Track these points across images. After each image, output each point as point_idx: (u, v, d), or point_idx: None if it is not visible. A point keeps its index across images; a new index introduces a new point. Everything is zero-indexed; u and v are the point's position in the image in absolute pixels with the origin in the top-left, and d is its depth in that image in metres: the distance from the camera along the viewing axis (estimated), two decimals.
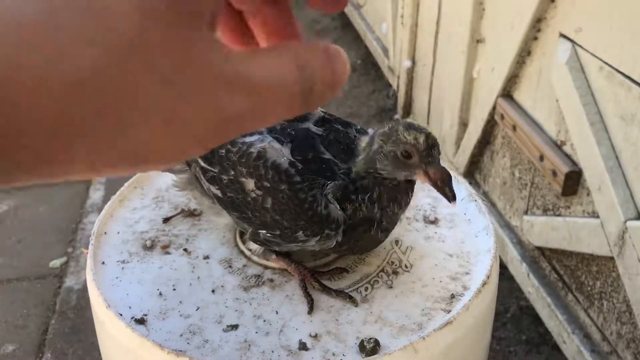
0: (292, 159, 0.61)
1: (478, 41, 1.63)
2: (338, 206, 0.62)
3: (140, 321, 0.63)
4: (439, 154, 0.57)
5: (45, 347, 1.58)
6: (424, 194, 0.82)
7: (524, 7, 1.33)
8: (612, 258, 1.14)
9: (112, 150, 0.19)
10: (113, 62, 0.18)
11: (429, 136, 0.56)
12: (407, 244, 0.74)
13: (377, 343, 0.60)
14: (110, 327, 0.62)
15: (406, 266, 0.71)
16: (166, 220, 0.78)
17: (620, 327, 1.18)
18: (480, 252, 0.71)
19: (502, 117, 1.48)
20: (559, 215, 1.34)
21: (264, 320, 0.64)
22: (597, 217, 1.17)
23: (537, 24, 1.33)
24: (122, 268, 0.70)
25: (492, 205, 1.67)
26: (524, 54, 1.40)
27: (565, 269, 1.35)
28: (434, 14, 1.90)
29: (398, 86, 2.32)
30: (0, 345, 1.58)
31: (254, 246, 0.71)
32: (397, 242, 0.74)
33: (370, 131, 0.64)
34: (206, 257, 0.72)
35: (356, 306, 0.66)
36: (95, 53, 0.18)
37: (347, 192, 0.61)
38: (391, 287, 0.68)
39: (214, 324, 0.63)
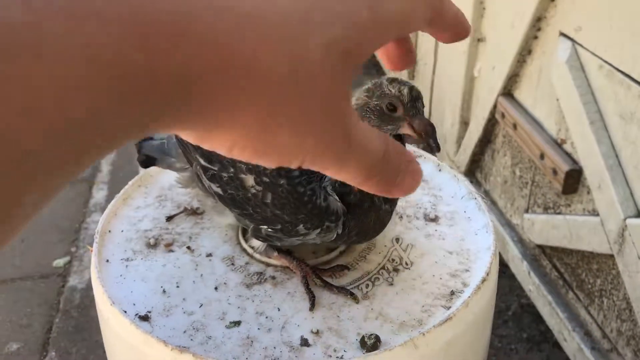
0: None
1: (479, 40, 1.64)
2: (337, 197, 0.62)
3: (144, 318, 0.64)
4: (423, 106, 0.57)
5: (49, 345, 1.59)
6: (424, 192, 0.83)
7: (524, 6, 1.34)
8: (612, 256, 1.15)
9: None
10: (303, 72, 0.23)
11: (412, 88, 0.57)
12: (407, 242, 0.75)
13: (377, 339, 0.61)
14: (114, 324, 0.63)
15: (407, 263, 0.71)
16: (169, 218, 0.79)
17: (620, 325, 1.19)
18: (480, 250, 0.72)
19: (503, 115, 1.49)
20: (559, 213, 1.34)
21: (266, 317, 0.64)
22: (597, 215, 1.18)
23: (537, 22, 1.34)
24: (126, 266, 0.71)
25: (493, 203, 1.67)
26: (525, 53, 1.41)
27: (566, 267, 1.36)
28: None
29: None
30: (5, 344, 1.60)
31: (256, 244, 0.72)
32: (397, 239, 0.75)
33: None
34: (209, 255, 0.73)
35: (357, 303, 0.66)
36: (289, 69, 0.22)
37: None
38: (392, 284, 0.69)
39: (217, 320, 0.64)
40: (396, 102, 0.56)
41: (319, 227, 0.63)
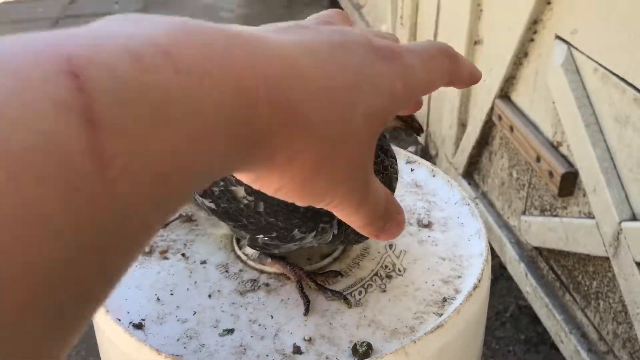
0: None
1: (476, 42, 1.64)
2: None
3: (138, 326, 0.64)
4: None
5: None
6: (418, 198, 0.83)
7: (521, 8, 1.34)
8: (607, 258, 1.15)
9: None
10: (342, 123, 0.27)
11: None
12: (400, 248, 0.75)
13: (369, 346, 0.62)
14: (109, 333, 0.64)
15: (399, 270, 0.72)
16: (165, 225, 0.79)
17: (616, 327, 1.19)
18: (473, 256, 0.72)
19: (500, 118, 1.50)
20: (555, 215, 1.35)
21: (259, 325, 0.65)
22: (593, 218, 1.18)
23: (534, 25, 1.34)
24: None
25: (490, 205, 1.68)
26: (521, 56, 1.41)
27: (563, 269, 1.36)
28: (433, 15, 1.91)
29: None
30: None
31: (250, 251, 0.72)
32: (391, 246, 0.75)
33: None
34: (203, 262, 0.73)
35: (350, 307, 0.67)
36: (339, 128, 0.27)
37: None
38: (384, 291, 0.69)
39: (211, 328, 0.65)
40: None
41: (314, 229, 0.64)
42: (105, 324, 0.64)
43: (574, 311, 1.33)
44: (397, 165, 0.68)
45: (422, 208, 0.81)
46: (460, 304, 0.64)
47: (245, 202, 0.63)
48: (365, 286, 0.70)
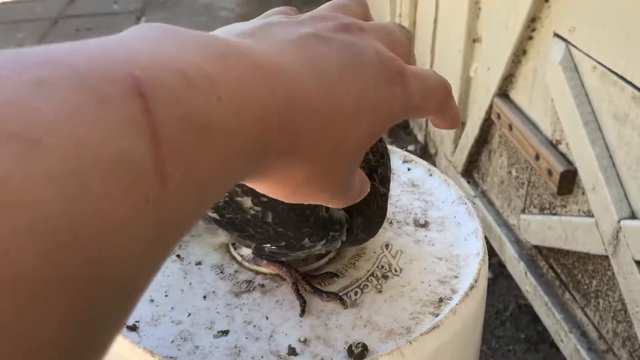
0: None
1: (474, 40, 1.63)
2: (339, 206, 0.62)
3: (132, 328, 0.64)
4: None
5: None
6: (414, 197, 0.82)
7: (519, 6, 1.33)
8: (607, 257, 1.15)
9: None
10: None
11: None
12: (397, 248, 0.75)
13: (365, 347, 0.61)
14: None
15: (396, 270, 0.71)
16: None
17: (616, 326, 1.19)
18: (469, 256, 0.72)
19: (499, 116, 1.49)
20: (555, 214, 1.34)
21: (254, 326, 0.64)
22: (592, 216, 1.17)
23: (532, 23, 1.33)
24: None
25: (490, 203, 1.67)
26: (519, 54, 1.40)
27: (562, 268, 1.36)
28: (431, 13, 1.91)
29: None
30: None
31: (245, 252, 0.72)
32: (387, 246, 0.75)
33: None
34: (198, 263, 0.73)
35: (345, 308, 0.66)
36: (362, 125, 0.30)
37: None
38: (381, 291, 0.69)
39: (205, 329, 0.64)
40: None
41: (325, 238, 0.63)
42: None
43: (574, 310, 1.33)
44: (389, 167, 0.68)
45: (418, 207, 0.81)
46: (457, 304, 0.64)
47: (253, 212, 0.62)
48: (361, 286, 0.70)
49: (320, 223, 0.61)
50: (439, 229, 0.77)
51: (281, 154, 0.26)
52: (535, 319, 1.50)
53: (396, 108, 0.30)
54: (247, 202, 0.62)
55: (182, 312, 0.66)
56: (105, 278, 0.17)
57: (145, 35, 0.22)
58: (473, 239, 0.74)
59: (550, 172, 1.28)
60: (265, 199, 0.61)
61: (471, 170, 1.77)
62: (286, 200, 0.32)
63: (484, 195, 1.71)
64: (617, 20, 1.05)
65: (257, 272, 0.71)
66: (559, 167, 1.25)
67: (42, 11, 3.91)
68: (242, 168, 0.25)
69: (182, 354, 0.61)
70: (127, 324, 0.64)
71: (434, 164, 2.03)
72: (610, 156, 1.12)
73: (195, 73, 0.21)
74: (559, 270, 1.38)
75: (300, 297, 0.67)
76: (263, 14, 0.34)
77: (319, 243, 0.63)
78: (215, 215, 0.65)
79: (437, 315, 0.65)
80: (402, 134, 2.37)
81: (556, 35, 1.24)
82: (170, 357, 0.59)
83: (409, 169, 0.88)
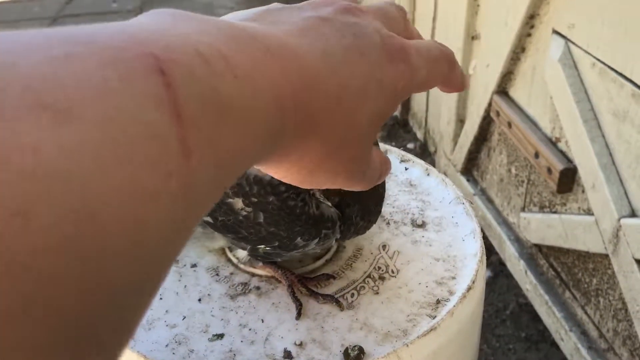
0: None
1: (473, 38, 1.63)
2: (329, 203, 0.62)
3: None
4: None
5: None
6: (412, 197, 0.82)
7: (518, 3, 1.33)
8: (607, 255, 1.14)
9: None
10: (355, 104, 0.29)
11: None
12: (394, 249, 0.74)
13: (361, 350, 0.60)
14: None
15: (393, 271, 0.71)
16: None
17: (616, 325, 1.18)
18: (467, 257, 0.71)
19: (498, 113, 1.48)
20: (555, 212, 1.33)
21: (250, 329, 0.64)
22: (592, 214, 1.17)
23: (531, 20, 1.32)
24: None
25: (489, 202, 1.66)
26: (518, 51, 1.39)
27: (562, 266, 1.35)
28: (430, 10, 1.90)
29: None
30: None
31: (241, 254, 0.71)
32: (384, 246, 0.74)
33: None
34: (194, 266, 0.72)
35: (342, 310, 0.66)
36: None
37: None
38: (377, 293, 0.68)
39: (200, 333, 0.63)
40: None
41: (317, 236, 0.62)
42: None
43: (574, 308, 1.32)
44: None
45: (416, 208, 0.80)
46: (454, 305, 0.63)
47: (244, 213, 0.61)
48: (358, 288, 0.69)
49: (312, 221, 0.61)
50: (437, 229, 0.76)
51: (296, 134, 0.27)
52: (535, 317, 1.49)
53: (401, 85, 0.31)
54: (238, 203, 0.61)
55: (176, 315, 0.66)
56: (134, 252, 0.17)
57: (159, 19, 0.23)
58: (471, 239, 0.73)
59: (549, 170, 1.27)
60: (256, 200, 0.60)
61: (471, 168, 1.76)
62: (305, 186, 0.32)
63: (483, 193, 1.70)
64: (617, 17, 1.04)
65: (253, 275, 0.71)
66: (558, 165, 1.24)
67: (40, 11, 3.90)
68: (260, 149, 0.25)
69: (176, 358, 0.60)
70: None
71: (434, 162, 2.02)
72: (610, 154, 1.11)
73: (210, 53, 0.21)
74: (559, 269, 1.37)
75: (296, 299, 0.66)
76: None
77: (312, 242, 0.63)
78: (209, 219, 0.64)
79: (435, 317, 0.64)
80: (401, 132, 2.36)
81: (555, 32, 1.23)
82: None
83: (406, 169, 0.87)
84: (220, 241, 0.70)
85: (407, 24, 0.36)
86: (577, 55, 1.17)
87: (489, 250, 1.64)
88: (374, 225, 0.77)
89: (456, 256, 0.72)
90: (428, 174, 0.85)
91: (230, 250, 0.73)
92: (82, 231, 0.15)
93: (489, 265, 1.68)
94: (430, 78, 0.34)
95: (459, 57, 1.67)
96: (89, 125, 0.16)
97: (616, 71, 1.06)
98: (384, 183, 0.67)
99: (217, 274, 0.71)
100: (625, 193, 1.08)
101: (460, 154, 1.74)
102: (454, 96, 1.74)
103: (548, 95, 1.29)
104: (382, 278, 0.70)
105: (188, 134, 0.19)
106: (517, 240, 1.52)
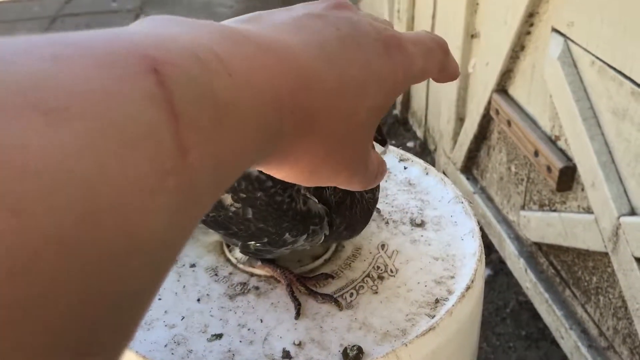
0: None
1: (472, 36, 1.62)
2: (316, 200, 0.62)
3: None
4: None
5: None
6: (411, 197, 0.82)
7: (517, 1, 1.32)
8: (606, 254, 1.14)
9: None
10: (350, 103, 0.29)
11: None
12: (393, 248, 0.74)
13: (360, 350, 0.60)
14: None
15: (392, 271, 0.71)
16: None
17: (616, 323, 1.18)
18: (466, 256, 0.71)
19: (497, 112, 1.48)
20: (554, 210, 1.33)
21: (249, 329, 0.64)
22: (592, 212, 1.17)
23: (530, 18, 1.32)
24: None
25: (489, 200, 1.66)
26: (518, 49, 1.39)
27: (562, 264, 1.35)
28: (429, 9, 1.90)
29: None
30: None
31: (240, 254, 0.71)
32: (383, 246, 0.74)
33: None
34: (192, 266, 0.72)
35: (341, 310, 0.66)
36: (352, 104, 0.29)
37: None
38: (376, 293, 0.68)
39: (199, 333, 0.63)
40: None
41: (305, 232, 0.63)
42: None
43: (574, 307, 1.32)
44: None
45: (415, 207, 0.80)
46: (453, 305, 0.63)
47: (233, 209, 0.62)
48: (357, 288, 0.69)
49: (299, 217, 0.61)
50: (436, 229, 0.76)
51: (296, 134, 0.27)
52: (535, 315, 1.49)
53: (400, 75, 0.31)
54: (228, 199, 0.61)
55: (175, 315, 0.66)
56: (133, 251, 0.17)
57: (153, 24, 0.23)
58: (470, 238, 0.73)
59: (549, 169, 1.27)
60: (244, 195, 0.61)
61: (470, 166, 1.76)
62: (308, 184, 0.32)
63: (483, 192, 1.70)
64: (616, 15, 1.04)
65: (252, 274, 0.71)
66: (558, 164, 1.24)
67: (40, 10, 3.90)
68: (259, 150, 0.25)
69: (175, 358, 0.60)
70: None
71: (433, 161, 2.02)
72: (610, 152, 1.11)
73: (204, 53, 0.22)
74: (559, 267, 1.37)
75: (295, 299, 0.66)
76: None
77: (300, 238, 0.63)
78: None
79: (433, 316, 0.64)
80: (401, 130, 2.36)
81: (554, 30, 1.23)
82: None
83: (405, 168, 0.87)
84: (214, 236, 0.70)
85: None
86: (577, 54, 1.17)
87: (489, 248, 1.64)
88: (373, 224, 0.77)
89: (455, 255, 0.72)
90: (427, 173, 0.85)
91: (230, 251, 0.73)
92: (80, 231, 0.15)
93: (488, 263, 1.68)
94: (428, 67, 0.33)
95: (458, 56, 1.66)
96: (85, 124, 0.16)
97: (615, 69, 1.06)
98: (374, 203, 0.67)
99: (216, 274, 0.71)
100: (625, 191, 1.08)
101: (460, 153, 1.74)
102: (453, 95, 1.74)
103: (547, 94, 1.28)
104: (381, 277, 0.70)
105: (185, 132, 0.19)
106: (517, 239, 1.52)
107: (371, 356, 0.60)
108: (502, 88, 1.49)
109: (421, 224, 0.77)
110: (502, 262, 1.62)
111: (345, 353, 0.61)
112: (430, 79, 0.37)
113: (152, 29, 0.22)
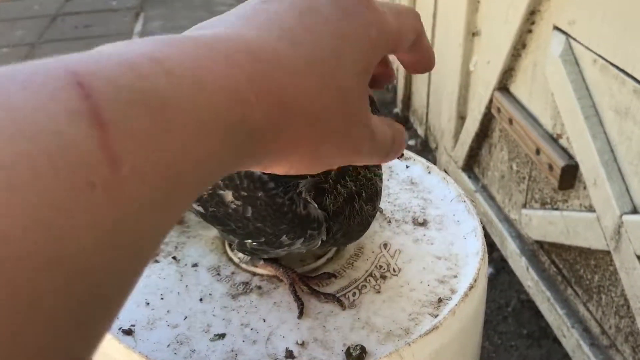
0: None
1: (474, 34, 1.62)
2: (316, 205, 0.62)
3: (128, 332, 0.63)
4: (377, 110, 0.56)
5: None
6: (413, 195, 0.81)
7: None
8: (608, 252, 1.14)
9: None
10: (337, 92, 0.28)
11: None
12: (395, 247, 0.74)
13: (363, 350, 0.60)
14: None
15: (394, 270, 0.70)
16: None
17: (618, 321, 1.18)
18: (469, 255, 0.71)
19: (499, 110, 1.48)
20: (556, 209, 1.33)
21: (251, 329, 0.64)
22: (594, 211, 1.16)
23: (531, 16, 1.32)
24: None
25: (491, 198, 1.66)
26: (519, 47, 1.39)
27: (564, 263, 1.35)
28: (430, 7, 1.89)
29: (397, 79, 2.31)
30: None
31: (242, 253, 0.71)
32: (385, 245, 0.74)
33: None
34: (195, 265, 0.72)
35: (344, 309, 0.66)
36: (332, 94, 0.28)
37: (320, 184, 0.61)
38: (379, 292, 0.68)
39: (202, 333, 0.63)
40: None
41: (302, 236, 0.62)
42: None
43: (576, 305, 1.32)
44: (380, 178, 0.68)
45: (417, 206, 0.80)
46: (456, 304, 0.63)
47: (234, 206, 0.62)
48: (360, 287, 0.69)
49: (297, 220, 0.61)
50: (438, 228, 0.76)
51: (274, 121, 0.26)
52: (537, 314, 1.49)
53: (374, 32, 0.30)
54: (229, 195, 0.61)
55: (178, 315, 0.65)
56: (53, 264, 0.17)
57: (99, 47, 0.23)
58: (472, 237, 0.73)
59: (551, 167, 1.27)
60: (245, 194, 0.61)
61: (472, 164, 1.76)
62: (316, 171, 0.31)
63: (484, 190, 1.70)
64: (618, 13, 1.04)
65: (254, 274, 0.71)
66: (559, 162, 1.24)
67: (40, 9, 3.90)
68: (230, 149, 0.24)
69: (178, 358, 0.60)
70: (123, 328, 0.64)
71: (435, 159, 2.02)
72: (612, 150, 1.11)
73: (135, 58, 0.21)
74: (560, 266, 1.37)
75: (297, 298, 0.66)
76: None
77: (297, 241, 0.63)
78: (200, 209, 0.65)
79: (437, 315, 0.64)
80: None
81: (556, 28, 1.23)
82: None
83: (407, 167, 0.87)
84: (214, 230, 0.70)
85: None
86: (578, 52, 1.17)
87: (491, 247, 1.63)
88: (376, 223, 0.77)
89: (458, 254, 0.72)
90: (429, 172, 0.85)
91: (232, 250, 0.73)
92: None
93: (490, 262, 1.68)
94: (401, 26, 0.32)
95: (459, 54, 1.66)
96: (4, 141, 0.17)
97: (618, 67, 1.05)
98: (374, 209, 0.67)
99: (219, 274, 0.71)
100: (627, 189, 1.08)
101: (462, 151, 1.74)
102: (454, 93, 1.74)
103: (549, 92, 1.28)
104: (383, 277, 0.70)
105: (116, 142, 0.19)
106: (519, 237, 1.52)
107: (374, 356, 0.60)
108: (503, 86, 1.49)
109: (423, 223, 0.77)
110: (503, 261, 1.62)
111: (348, 353, 0.60)
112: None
113: (93, 51, 0.22)
